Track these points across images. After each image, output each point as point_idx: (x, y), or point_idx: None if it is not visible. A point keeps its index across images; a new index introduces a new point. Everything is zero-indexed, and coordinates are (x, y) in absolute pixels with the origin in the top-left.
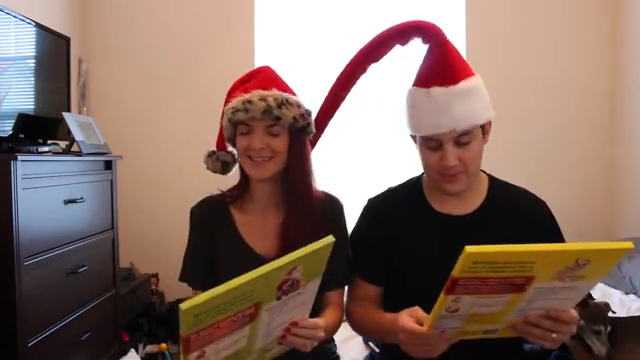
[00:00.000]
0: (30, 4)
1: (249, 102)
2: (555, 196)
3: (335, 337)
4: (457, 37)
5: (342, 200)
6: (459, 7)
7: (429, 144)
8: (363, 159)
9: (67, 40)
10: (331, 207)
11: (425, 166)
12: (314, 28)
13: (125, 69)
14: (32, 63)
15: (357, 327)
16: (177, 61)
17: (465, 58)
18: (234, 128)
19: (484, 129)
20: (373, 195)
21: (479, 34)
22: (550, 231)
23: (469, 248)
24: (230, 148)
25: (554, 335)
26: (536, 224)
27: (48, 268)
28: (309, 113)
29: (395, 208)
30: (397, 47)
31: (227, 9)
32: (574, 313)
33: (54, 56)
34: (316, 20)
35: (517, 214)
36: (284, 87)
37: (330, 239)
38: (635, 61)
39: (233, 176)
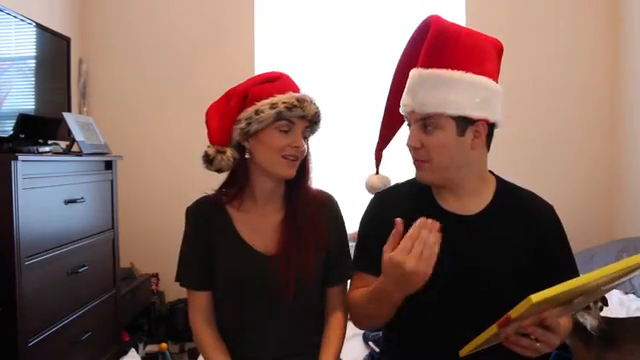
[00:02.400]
0: (30, 4)
1: (305, 101)
2: (555, 196)
3: None
4: None
5: (343, 199)
6: (459, 7)
7: (407, 122)
8: (364, 158)
9: (67, 40)
10: (327, 204)
11: None
12: (314, 29)
13: (125, 69)
14: (32, 63)
15: (356, 314)
16: (177, 61)
17: None
18: (273, 123)
19: (464, 127)
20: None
21: None
22: (555, 237)
23: (534, 297)
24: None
25: (538, 345)
26: (542, 228)
27: (48, 268)
28: None
29: (401, 202)
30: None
31: (227, 9)
32: (564, 322)
33: (54, 56)
34: (316, 21)
35: (523, 217)
36: None
37: None
38: (635, 61)
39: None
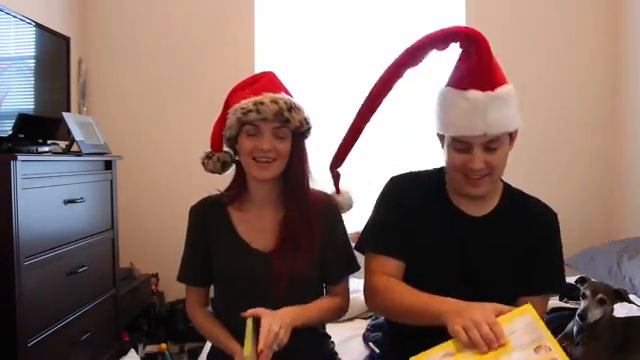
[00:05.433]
0: (30, 4)
1: (261, 103)
2: (555, 196)
3: (335, 337)
4: None
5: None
6: (459, 7)
7: (457, 145)
8: (364, 157)
9: (67, 40)
10: (326, 204)
11: (449, 167)
12: (314, 28)
13: (125, 69)
14: (32, 63)
15: (381, 301)
16: (177, 61)
17: None
18: (240, 128)
19: (511, 136)
20: (396, 174)
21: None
22: (551, 242)
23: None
24: (225, 148)
25: None
26: (539, 233)
27: (48, 268)
28: (309, 118)
29: (416, 190)
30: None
31: (227, 9)
32: None
33: (54, 56)
34: (316, 20)
35: (524, 222)
36: (288, 92)
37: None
38: (636, 60)
39: (231, 174)
